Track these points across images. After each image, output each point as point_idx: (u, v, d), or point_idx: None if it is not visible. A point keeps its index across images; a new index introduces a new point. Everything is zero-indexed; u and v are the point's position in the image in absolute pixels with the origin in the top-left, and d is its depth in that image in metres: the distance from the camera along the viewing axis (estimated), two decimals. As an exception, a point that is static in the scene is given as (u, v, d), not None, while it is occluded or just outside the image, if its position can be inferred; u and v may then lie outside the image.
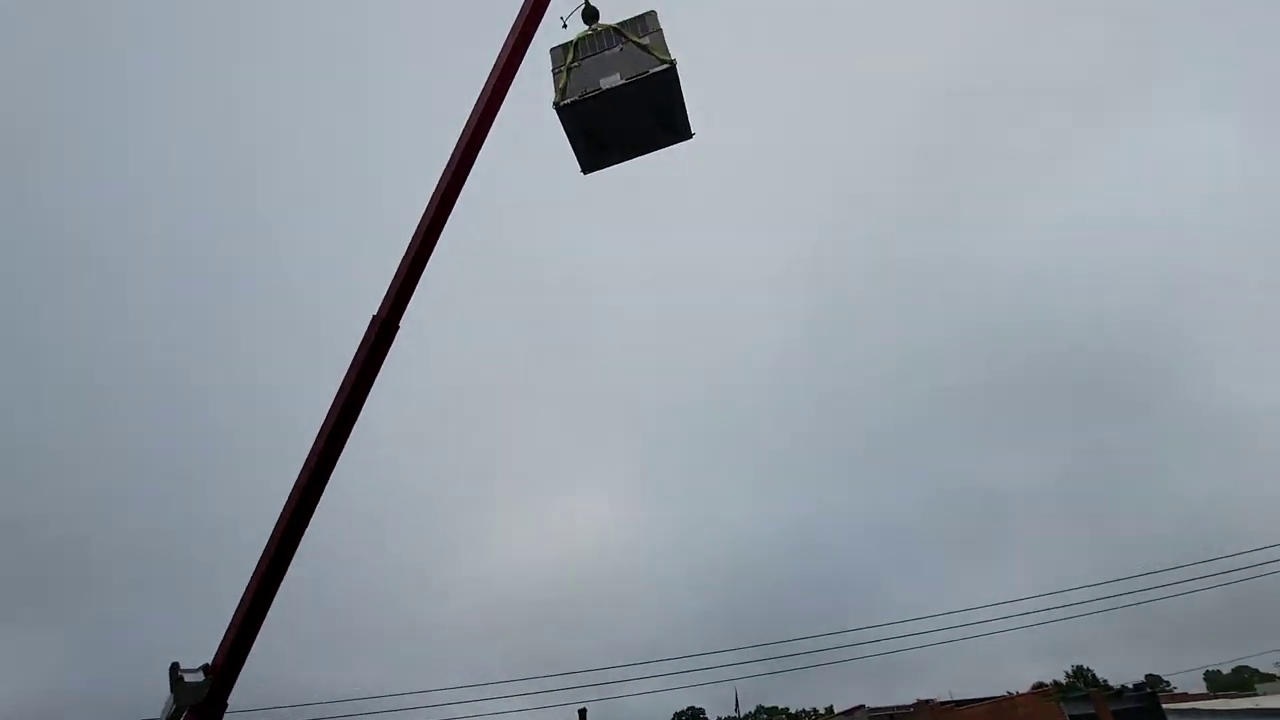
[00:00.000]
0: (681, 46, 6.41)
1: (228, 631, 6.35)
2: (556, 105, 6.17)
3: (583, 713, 31.55)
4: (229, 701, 6.54)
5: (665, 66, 6.07)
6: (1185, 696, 40.87)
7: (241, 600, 6.26)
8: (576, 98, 6.12)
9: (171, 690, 6.27)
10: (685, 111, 6.35)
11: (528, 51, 6.18)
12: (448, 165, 6.03)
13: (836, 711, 38.38)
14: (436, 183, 6.03)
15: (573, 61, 6.37)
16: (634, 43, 6.26)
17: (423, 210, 5.96)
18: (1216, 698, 40.80)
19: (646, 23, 6.38)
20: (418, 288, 6.28)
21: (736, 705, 40.30)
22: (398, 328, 5.92)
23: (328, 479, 5.88)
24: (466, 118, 6.04)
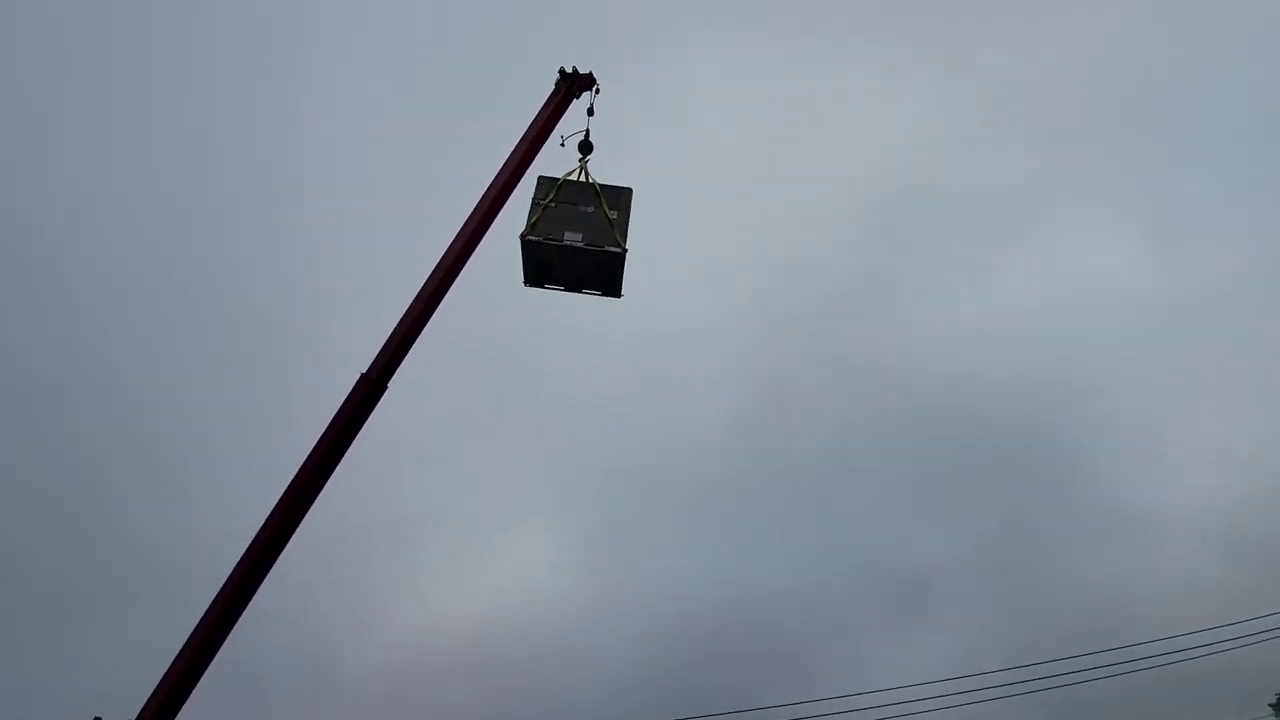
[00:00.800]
0: (620, 130, 7.67)
1: (158, 689, 6.14)
2: (522, 238, 7.19)
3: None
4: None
5: (619, 251, 7.38)
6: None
7: (178, 658, 6.10)
8: (540, 239, 7.19)
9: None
10: (621, 281, 7.75)
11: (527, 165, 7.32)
12: (455, 240, 6.70)
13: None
14: (444, 251, 6.62)
15: (550, 201, 7.37)
16: (604, 214, 7.42)
17: (428, 275, 6.52)
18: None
19: (622, 198, 7.62)
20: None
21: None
22: (385, 389, 6.21)
23: (291, 536, 5.94)
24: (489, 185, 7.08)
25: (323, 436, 5.98)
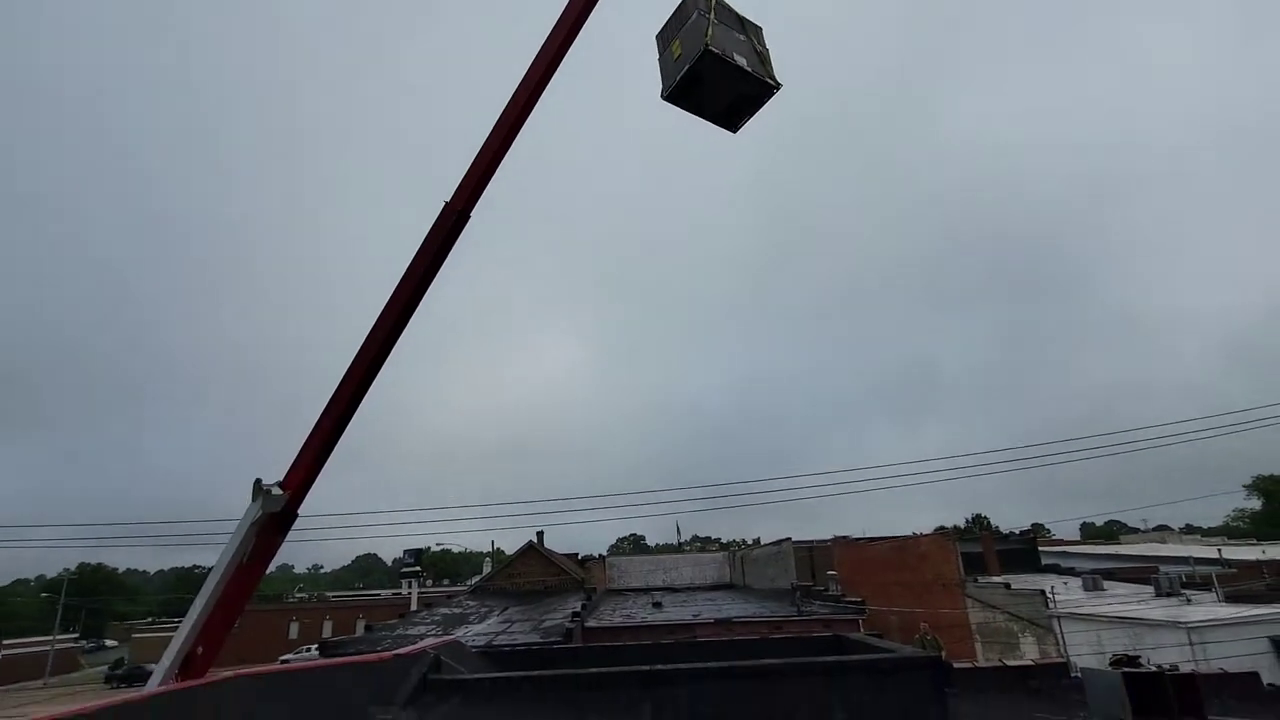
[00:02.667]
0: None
1: (302, 455, 7.93)
2: (706, 48, 6.85)
3: (540, 535, 36.52)
4: (298, 512, 8.35)
5: (775, 86, 7.22)
6: (1060, 542, 49.89)
7: (315, 430, 7.77)
8: (719, 53, 6.84)
9: (255, 499, 7.99)
10: (750, 119, 7.65)
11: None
12: (531, 69, 6.73)
13: (763, 543, 45.21)
14: (520, 83, 6.74)
15: (714, 17, 6.98)
16: (754, 45, 7.16)
17: (503, 109, 6.76)
18: (1084, 543, 50.08)
19: (759, 34, 7.31)
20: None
21: (678, 533, 46.86)
22: (469, 218, 6.83)
23: (388, 355, 7.14)
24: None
25: (412, 265, 6.80)
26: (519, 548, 35.86)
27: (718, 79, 7.15)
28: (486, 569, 40.06)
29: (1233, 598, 22.24)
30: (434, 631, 17.58)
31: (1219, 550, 36.18)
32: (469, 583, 44.54)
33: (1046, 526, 56.24)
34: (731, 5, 7.45)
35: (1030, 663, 7.25)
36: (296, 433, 8.47)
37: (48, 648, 54.83)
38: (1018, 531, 38.48)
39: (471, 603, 28.84)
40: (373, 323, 7.32)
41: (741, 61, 7.04)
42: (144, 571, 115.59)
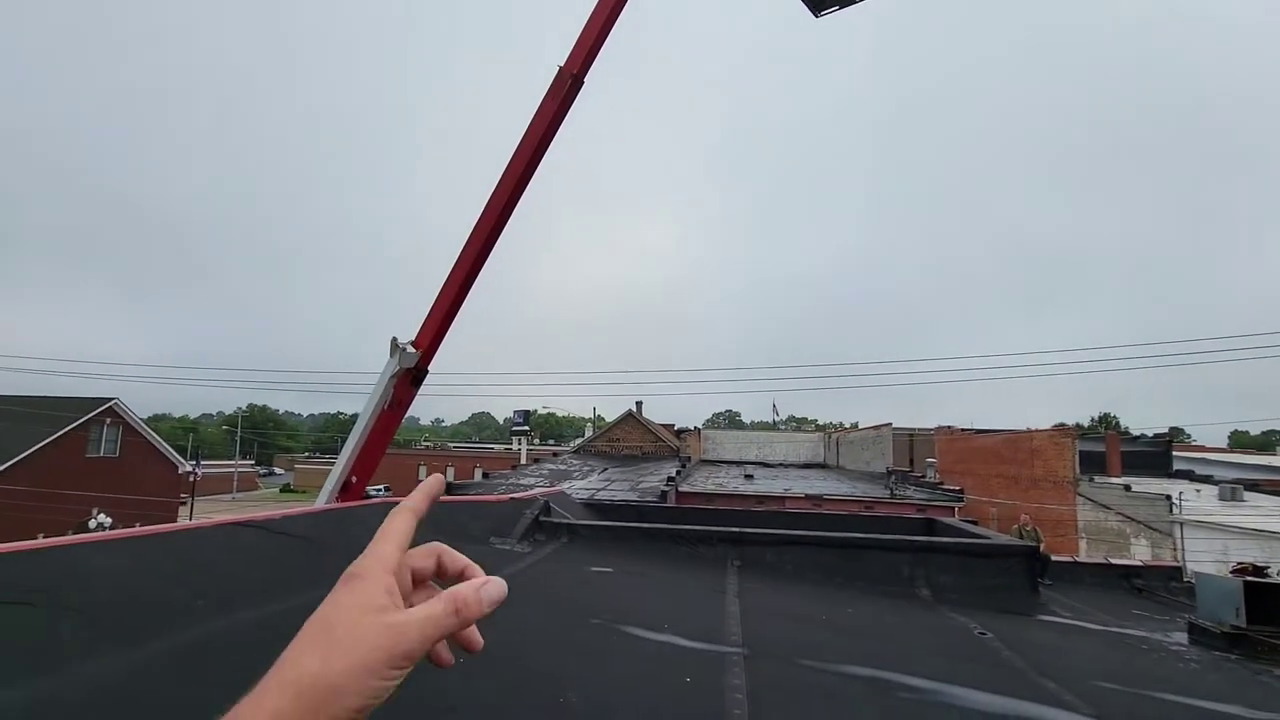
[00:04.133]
0: None
1: (430, 318, 8.68)
2: None
3: (639, 404, 38.34)
4: (429, 368, 9.24)
5: None
6: (1201, 448, 45.93)
7: (440, 296, 8.41)
8: None
9: (393, 355, 8.93)
10: (838, 9, 8.16)
11: None
12: None
13: (861, 427, 45.03)
14: None
15: None
16: None
17: None
18: (1230, 451, 45.85)
19: None
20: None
21: (775, 411, 47.58)
22: (583, 83, 6.65)
23: (505, 225, 7.39)
24: None
25: (528, 132, 6.84)
26: (619, 415, 37.94)
27: None
28: (588, 433, 42.96)
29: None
30: (542, 482, 19.48)
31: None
32: (572, 444, 48.21)
33: (1186, 431, 51.77)
34: None
35: (1139, 563, 7.06)
36: (424, 292, 9.23)
37: (232, 470, 67.01)
38: (1150, 434, 35.83)
39: (575, 461, 31.36)
40: (489, 195, 7.57)
41: None
42: (298, 414, 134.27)
